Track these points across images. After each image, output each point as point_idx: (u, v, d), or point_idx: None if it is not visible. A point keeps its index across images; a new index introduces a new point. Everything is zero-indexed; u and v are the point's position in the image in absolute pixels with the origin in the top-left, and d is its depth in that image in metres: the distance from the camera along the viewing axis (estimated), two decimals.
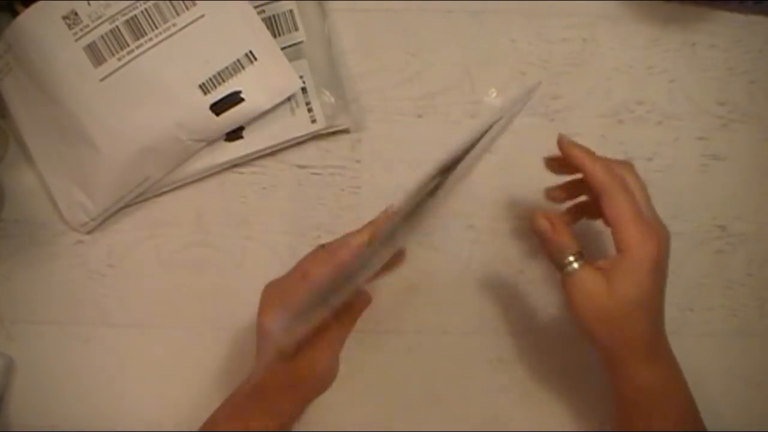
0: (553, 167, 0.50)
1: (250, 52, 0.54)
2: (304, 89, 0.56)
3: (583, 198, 0.51)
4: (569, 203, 0.51)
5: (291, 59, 0.55)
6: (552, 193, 0.51)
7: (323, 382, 0.49)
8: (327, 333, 0.47)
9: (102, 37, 0.53)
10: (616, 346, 0.46)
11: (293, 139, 0.56)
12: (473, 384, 0.56)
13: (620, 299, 0.44)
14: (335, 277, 0.44)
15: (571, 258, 0.46)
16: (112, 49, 0.53)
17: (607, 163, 0.46)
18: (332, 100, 0.56)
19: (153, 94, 0.53)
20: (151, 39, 0.53)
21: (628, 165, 0.47)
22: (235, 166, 0.57)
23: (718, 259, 0.58)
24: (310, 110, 0.56)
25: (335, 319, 0.47)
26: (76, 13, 0.53)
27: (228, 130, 0.55)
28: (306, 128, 0.56)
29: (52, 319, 0.57)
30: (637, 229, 0.44)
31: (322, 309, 0.44)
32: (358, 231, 0.47)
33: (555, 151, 0.58)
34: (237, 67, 0.54)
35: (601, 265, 0.46)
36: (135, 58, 0.53)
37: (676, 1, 0.58)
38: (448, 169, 0.46)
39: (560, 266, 0.46)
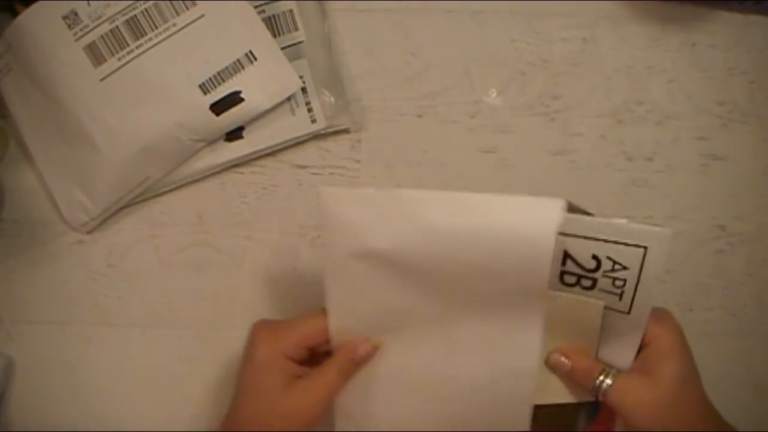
0: None
1: (250, 52, 0.54)
2: (304, 89, 0.56)
3: None
4: None
5: (291, 59, 0.55)
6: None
7: (308, 426, 0.46)
8: (321, 377, 0.46)
9: (102, 37, 0.53)
10: (683, 428, 0.45)
11: (293, 139, 0.56)
12: None
13: (669, 384, 0.44)
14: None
15: (601, 377, 0.45)
16: (112, 49, 0.53)
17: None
18: (332, 100, 0.56)
19: (153, 94, 0.53)
20: (151, 39, 0.53)
21: None
22: (235, 166, 0.57)
23: (718, 259, 0.58)
24: (310, 110, 0.56)
25: (334, 364, 0.46)
26: (76, 13, 0.53)
27: (228, 130, 0.55)
28: (306, 128, 0.56)
29: (52, 319, 0.57)
30: (654, 320, 0.45)
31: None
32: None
33: (554, 150, 0.58)
34: (237, 67, 0.54)
35: (634, 367, 0.46)
36: (135, 58, 0.53)
37: (676, 1, 0.58)
38: None
39: (595, 390, 0.46)
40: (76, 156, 0.55)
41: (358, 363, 0.46)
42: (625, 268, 0.43)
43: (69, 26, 0.53)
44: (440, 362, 0.46)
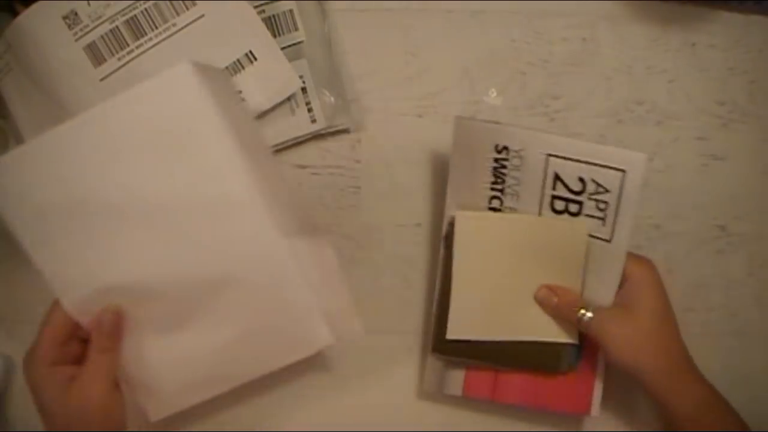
0: None
1: (250, 52, 0.54)
2: (304, 89, 0.56)
3: None
4: None
5: (291, 59, 0.55)
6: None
7: (107, 417, 0.44)
8: (89, 366, 0.44)
9: (102, 37, 0.53)
10: (663, 364, 0.47)
11: (293, 139, 0.56)
12: None
13: (646, 317, 0.47)
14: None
15: (583, 310, 0.49)
16: (112, 49, 0.53)
17: None
18: (332, 100, 0.56)
19: None
20: (151, 39, 0.53)
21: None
22: None
23: (718, 259, 0.58)
24: (310, 110, 0.56)
25: (93, 347, 0.44)
26: (76, 13, 0.53)
27: None
28: (306, 128, 0.56)
29: None
30: (632, 258, 0.49)
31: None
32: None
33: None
34: (237, 67, 0.54)
35: (614, 302, 0.49)
36: (135, 58, 0.53)
37: (676, 1, 0.58)
38: None
39: (578, 322, 0.49)
40: None
41: (111, 335, 0.44)
42: (607, 190, 0.47)
43: (69, 26, 0.53)
44: (174, 278, 0.43)
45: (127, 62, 0.53)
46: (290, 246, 0.43)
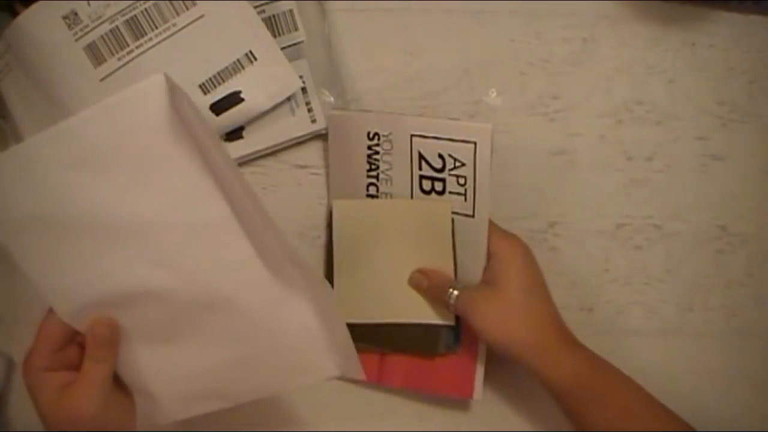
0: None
1: (250, 52, 0.54)
2: (304, 89, 0.56)
3: None
4: None
5: (291, 59, 0.55)
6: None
7: (101, 425, 0.44)
8: (83, 375, 0.43)
9: (102, 37, 0.53)
10: (532, 338, 0.47)
11: (293, 139, 0.56)
12: None
13: (512, 291, 0.48)
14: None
15: (451, 289, 0.50)
16: (112, 49, 0.53)
17: None
18: (332, 100, 0.56)
19: None
20: (151, 39, 0.53)
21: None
22: None
23: (718, 259, 0.58)
24: (310, 110, 0.56)
25: (87, 357, 0.43)
26: (76, 13, 0.53)
27: (228, 130, 0.55)
28: (306, 128, 0.56)
29: None
30: (497, 234, 0.50)
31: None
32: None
33: (554, 150, 0.58)
34: (237, 67, 0.54)
35: (482, 279, 0.50)
36: (135, 58, 0.53)
37: (676, 1, 0.58)
38: None
39: (448, 302, 0.50)
40: None
41: (105, 344, 0.43)
42: (463, 164, 0.50)
43: (69, 26, 0.53)
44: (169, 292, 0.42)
45: (127, 62, 0.53)
46: (280, 271, 0.42)
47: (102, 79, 0.53)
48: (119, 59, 0.53)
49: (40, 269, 0.43)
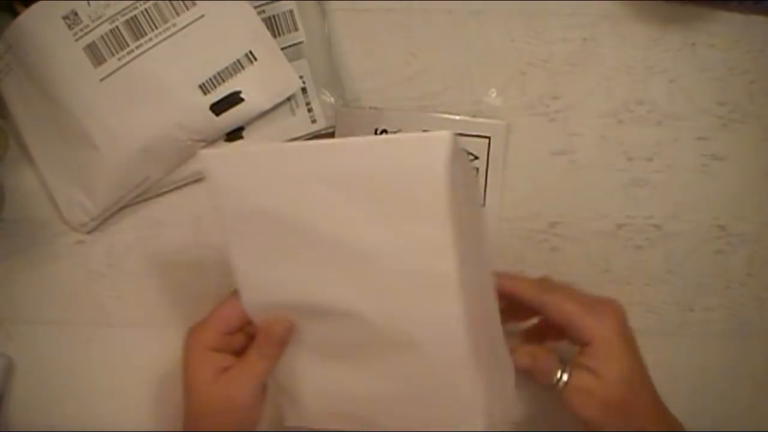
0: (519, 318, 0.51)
1: (250, 52, 0.54)
2: (304, 89, 0.56)
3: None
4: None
5: (291, 59, 0.55)
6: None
7: (246, 416, 0.46)
8: (245, 364, 0.45)
9: (102, 37, 0.53)
10: (625, 423, 0.46)
11: (293, 139, 0.56)
12: None
13: (614, 382, 0.45)
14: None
15: (559, 374, 0.46)
16: (112, 49, 0.53)
17: (532, 281, 0.48)
18: (332, 100, 0.56)
19: (153, 95, 0.53)
20: (151, 39, 0.53)
21: (546, 278, 0.49)
22: None
23: (718, 259, 0.58)
24: (310, 110, 0.56)
25: (255, 349, 0.45)
26: (76, 13, 0.53)
27: (228, 130, 0.55)
28: (306, 128, 0.56)
29: (52, 319, 0.57)
30: (590, 316, 0.46)
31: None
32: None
33: (554, 150, 0.58)
34: (237, 67, 0.54)
35: (581, 362, 0.46)
36: (135, 58, 0.53)
37: (676, 1, 0.58)
38: None
39: (552, 387, 0.47)
40: (76, 156, 0.55)
41: (277, 343, 0.45)
42: (476, 158, 0.54)
43: (69, 26, 0.53)
44: (360, 321, 0.43)
45: (127, 62, 0.53)
46: (474, 335, 0.42)
47: (102, 79, 0.53)
48: (119, 59, 0.53)
49: (246, 256, 0.44)
